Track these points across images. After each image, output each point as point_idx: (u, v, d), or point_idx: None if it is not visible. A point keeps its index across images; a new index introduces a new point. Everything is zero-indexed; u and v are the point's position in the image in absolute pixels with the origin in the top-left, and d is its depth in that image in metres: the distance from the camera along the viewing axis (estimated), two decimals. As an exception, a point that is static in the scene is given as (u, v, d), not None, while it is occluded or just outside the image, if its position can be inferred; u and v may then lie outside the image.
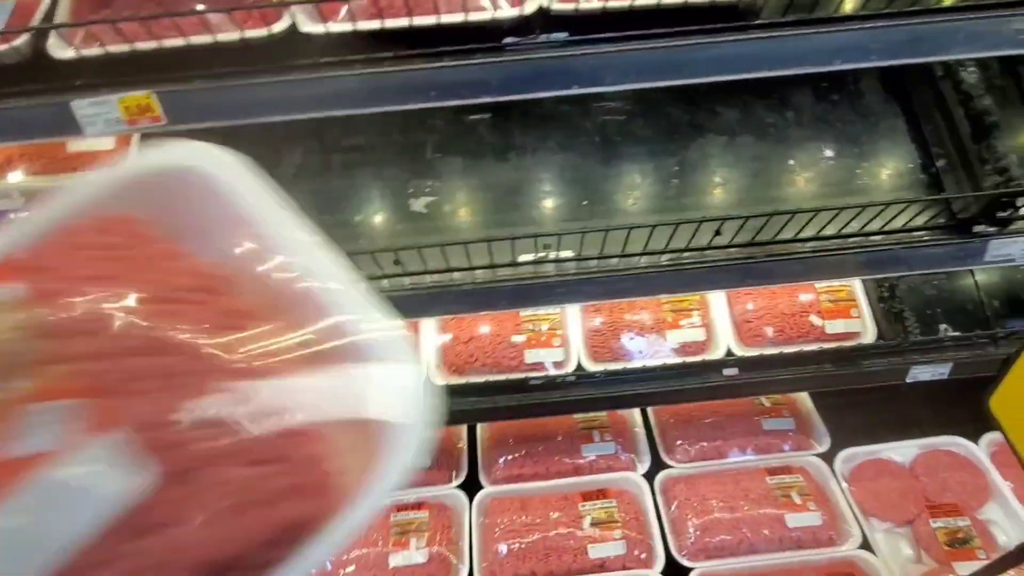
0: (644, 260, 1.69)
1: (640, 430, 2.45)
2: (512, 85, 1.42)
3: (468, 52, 1.39)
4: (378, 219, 1.81)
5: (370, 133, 1.93)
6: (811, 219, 1.66)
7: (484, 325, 2.14)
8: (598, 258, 1.68)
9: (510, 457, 2.35)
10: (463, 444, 2.46)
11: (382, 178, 1.86)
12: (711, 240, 1.70)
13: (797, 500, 2.16)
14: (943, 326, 2.15)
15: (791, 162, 1.85)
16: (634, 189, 1.83)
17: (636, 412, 2.51)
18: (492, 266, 1.69)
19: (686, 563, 2.11)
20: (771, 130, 1.90)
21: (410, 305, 1.71)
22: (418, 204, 1.82)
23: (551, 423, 2.43)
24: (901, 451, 2.41)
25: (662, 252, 1.70)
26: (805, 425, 2.41)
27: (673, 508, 2.22)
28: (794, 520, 2.11)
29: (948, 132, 1.84)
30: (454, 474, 2.36)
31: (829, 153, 1.86)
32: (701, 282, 1.73)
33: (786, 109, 1.93)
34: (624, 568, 2.10)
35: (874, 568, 2.09)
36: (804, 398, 2.51)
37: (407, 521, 2.16)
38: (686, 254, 1.70)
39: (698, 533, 2.13)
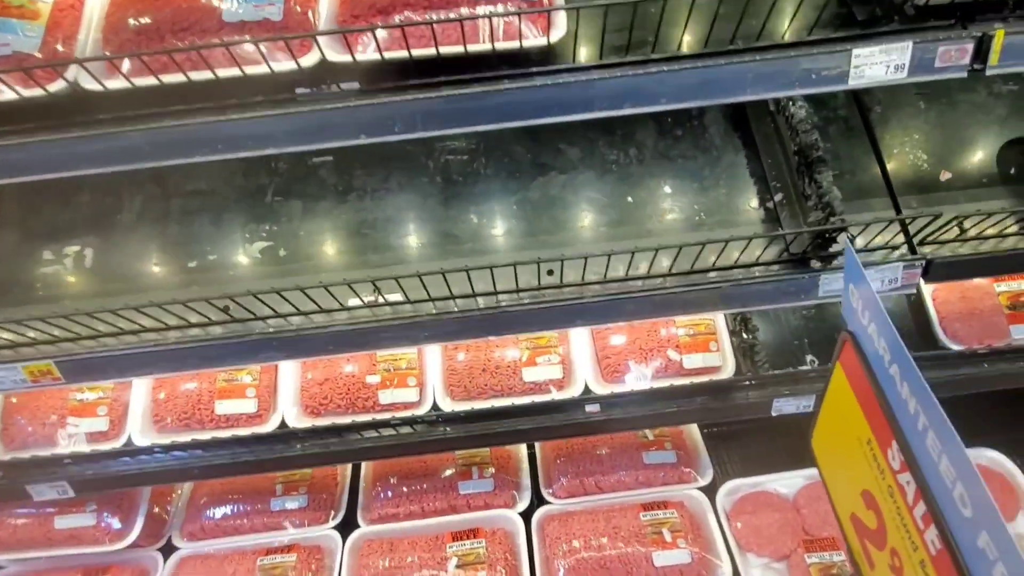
0: (473, 302, 1.68)
1: (525, 465, 2.43)
2: (299, 137, 1.41)
3: (257, 104, 1.39)
4: (212, 265, 1.80)
5: (213, 177, 1.93)
6: (631, 259, 1.65)
7: (346, 365, 2.12)
8: (424, 301, 1.67)
9: (388, 495, 2.32)
10: (345, 482, 2.44)
11: (220, 223, 1.86)
12: (540, 281, 1.69)
13: (668, 537, 2.12)
14: (809, 357, 2.13)
15: (630, 200, 1.84)
16: (472, 229, 1.82)
17: (522, 446, 2.49)
18: (322, 311, 1.68)
19: (555, 603, 2.08)
20: (613, 167, 1.89)
21: (237, 352, 1.70)
22: (253, 249, 1.81)
23: (434, 459, 2.40)
24: (786, 482, 2.37)
25: (491, 294, 1.69)
26: (689, 457, 2.38)
27: (547, 546, 2.19)
28: (662, 559, 2.08)
29: (785, 166, 1.83)
30: (332, 513, 2.33)
31: (668, 189, 1.85)
32: (531, 323, 1.71)
33: (629, 145, 1.92)
34: (490, 610, 2.07)
35: (744, 606, 2.05)
36: (692, 429, 2.48)
37: (272, 566, 2.13)
38: (517, 295, 1.69)
39: (566, 573, 2.10)
